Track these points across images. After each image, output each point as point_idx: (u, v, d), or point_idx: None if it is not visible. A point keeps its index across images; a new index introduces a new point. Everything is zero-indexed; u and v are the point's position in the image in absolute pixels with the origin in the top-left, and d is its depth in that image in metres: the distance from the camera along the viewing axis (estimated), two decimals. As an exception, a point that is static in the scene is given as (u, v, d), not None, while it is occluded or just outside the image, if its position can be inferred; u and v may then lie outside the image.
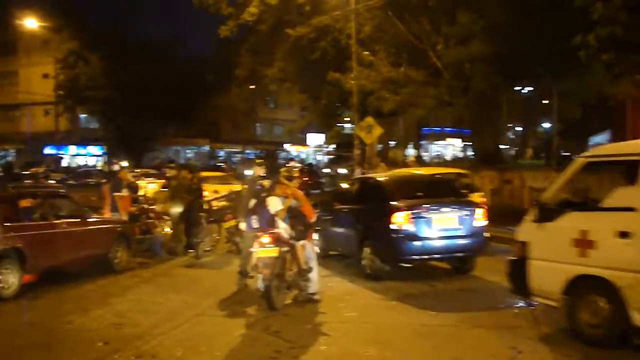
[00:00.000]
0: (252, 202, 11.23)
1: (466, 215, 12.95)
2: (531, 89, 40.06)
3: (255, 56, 39.39)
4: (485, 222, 12.99)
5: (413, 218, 12.46)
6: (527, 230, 9.17)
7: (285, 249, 10.60)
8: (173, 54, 56.36)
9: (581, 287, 8.35)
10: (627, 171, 8.12)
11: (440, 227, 12.68)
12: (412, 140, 44.44)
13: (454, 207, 13.09)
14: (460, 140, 74.61)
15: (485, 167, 25.84)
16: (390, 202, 12.84)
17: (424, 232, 12.53)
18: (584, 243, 8.21)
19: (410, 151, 51.87)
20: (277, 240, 10.41)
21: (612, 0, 18.22)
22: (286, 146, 72.65)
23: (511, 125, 44.65)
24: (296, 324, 9.78)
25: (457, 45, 26.21)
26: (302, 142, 72.08)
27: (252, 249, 10.88)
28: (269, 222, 10.57)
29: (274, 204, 10.62)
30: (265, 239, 10.34)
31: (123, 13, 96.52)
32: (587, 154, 9.26)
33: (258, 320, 10.01)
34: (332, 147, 72.70)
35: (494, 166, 26.12)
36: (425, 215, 12.59)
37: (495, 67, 25.47)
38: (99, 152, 64.89)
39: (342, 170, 36.70)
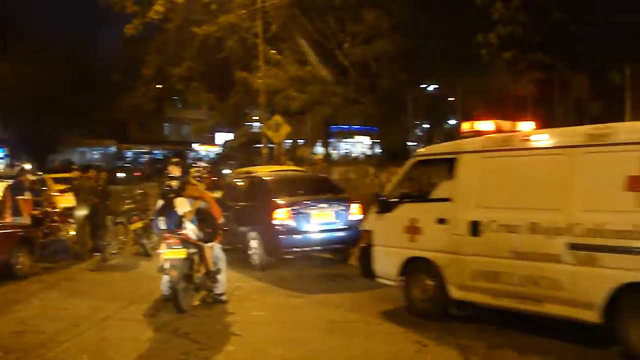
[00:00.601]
0: (160, 203, 11.08)
1: (342, 210, 14.11)
2: (436, 86, 40.73)
3: (162, 55, 38.88)
4: (360, 216, 13.59)
5: (293, 214, 13.58)
6: (371, 220, 10.69)
7: (193, 250, 10.52)
8: (77, 53, 55.07)
9: (413, 268, 9.81)
10: (448, 167, 9.51)
11: (319, 221, 13.86)
12: (320, 138, 44.61)
13: (330, 203, 14.23)
14: (368, 137, 75.33)
15: (392, 163, 26.15)
16: (273, 200, 13.85)
17: (304, 226, 13.69)
18: (413, 230, 9.72)
19: (319, 149, 52.16)
20: (185, 242, 10.31)
21: (511, 1, 18.75)
22: (195, 146, 71.96)
23: (418, 122, 45.29)
24: (205, 325, 9.74)
25: (363, 43, 26.45)
26: (211, 142, 71.52)
27: (159, 250, 10.75)
28: (176, 224, 10.45)
29: (182, 205, 10.51)
30: (173, 240, 10.24)
31: (26, 12, 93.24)
32: (418, 153, 11.09)
33: (166, 323, 9.86)
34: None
35: (401, 163, 26.40)
36: (305, 211, 13.74)
37: (401, 65, 25.81)
38: (1, 155, 62.87)
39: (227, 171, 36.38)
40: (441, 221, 9.30)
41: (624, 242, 7.35)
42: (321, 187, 15.41)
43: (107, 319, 10.18)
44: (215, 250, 11.05)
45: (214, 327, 9.62)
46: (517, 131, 9.84)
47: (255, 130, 44.56)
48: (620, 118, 21.36)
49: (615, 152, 7.69)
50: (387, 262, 10.27)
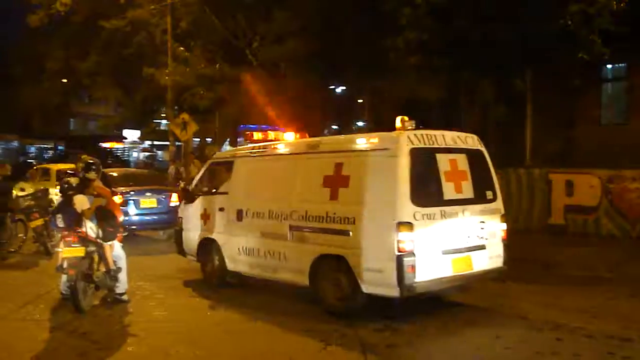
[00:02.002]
0: (59, 199, 10.84)
1: (163, 198, 18.33)
2: (344, 88, 41.17)
3: (69, 49, 38.01)
4: (177, 203, 15.41)
5: (125, 200, 17.24)
6: (181, 209, 13.40)
7: (92, 248, 10.34)
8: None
9: (205, 246, 12.41)
10: (228, 168, 12.31)
11: (144, 206, 18.04)
12: (228, 136, 44.36)
13: (154, 192, 18.49)
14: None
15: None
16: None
17: (132, 210, 17.79)
18: (205, 216, 12.46)
19: (227, 147, 51.83)
20: (84, 240, 10.13)
21: (419, 7, 19.08)
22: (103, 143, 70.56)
23: (328, 122, 45.62)
24: (104, 325, 9.62)
25: (273, 43, 26.49)
26: (119, 138, 70.24)
27: (57, 249, 10.53)
28: (75, 221, 10.24)
29: (81, 203, 10.29)
30: (71, 238, 10.04)
31: None
32: (213, 157, 14.22)
33: (65, 323, 9.67)
34: (148, 143, 71.36)
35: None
36: (134, 198, 17.88)
37: (310, 65, 25.96)
38: None
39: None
40: (221, 209, 12.04)
41: (320, 225, 9.95)
42: (151, 181, 20.05)
43: (2, 319, 9.91)
44: (115, 248, 10.87)
45: (114, 327, 9.51)
46: (271, 141, 12.83)
47: (164, 127, 43.97)
48: (522, 121, 22.12)
49: (319, 159, 10.43)
50: (190, 242, 12.87)
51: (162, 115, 42.81)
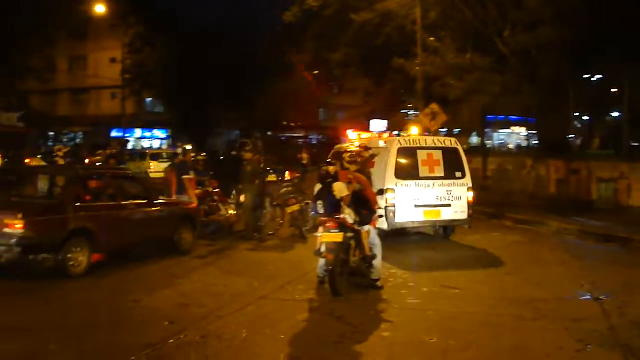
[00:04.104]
0: (318, 187, 11.21)
1: None
2: (600, 76, 39.10)
3: (320, 41, 39.34)
4: None
5: None
6: None
7: (350, 234, 10.59)
8: (235, 39, 56.51)
9: None
10: None
11: None
12: (476, 127, 43.78)
13: None
14: (524, 128, 73.47)
15: (550, 156, 25.39)
16: None
17: None
18: None
19: (474, 139, 51.25)
20: (342, 226, 10.40)
21: None
22: (349, 132, 72.20)
23: (578, 114, 43.65)
24: (359, 309, 9.77)
25: (525, 31, 25.68)
26: (366, 128, 71.85)
27: (316, 234, 10.91)
28: (334, 208, 10.55)
29: (340, 190, 10.57)
30: (330, 224, 10.35)
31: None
32: None
33: (321, 305, 10.04)
34: (395, 133, 72.18)
35: (561, 156, 25.58)
36: None
37: (564, 53, 24.90)
38: (164, 136, 65.64)
39: None
40: None
41: None
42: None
43: (265, 297, 10.43)
44: (372, 235, 11.08)
45: (369, 312, 9.64)
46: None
47: (410, 118, 44.30)
48: None
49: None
50: None
51: (409, 105, 43.18)
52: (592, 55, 27.71)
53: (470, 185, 15.37)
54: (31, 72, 48.23)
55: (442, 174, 15.09)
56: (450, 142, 15.95)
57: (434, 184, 14.94)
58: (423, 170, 14.95)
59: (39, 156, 37.70)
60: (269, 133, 67.12)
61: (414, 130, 19.75)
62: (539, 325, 8.97)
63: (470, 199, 15.29)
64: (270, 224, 16.84)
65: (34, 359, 7.53)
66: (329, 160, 11.68)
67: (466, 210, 15.21)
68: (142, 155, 47.03)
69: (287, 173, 22.78)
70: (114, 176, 13.83)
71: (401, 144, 15.10)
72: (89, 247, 11.74)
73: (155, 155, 46.16)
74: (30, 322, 8.94)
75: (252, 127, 62.61)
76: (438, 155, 15.25)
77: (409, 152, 15.08)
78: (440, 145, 15.52)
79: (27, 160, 34.02)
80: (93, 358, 7.64)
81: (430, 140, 15.85)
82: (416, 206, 14.76)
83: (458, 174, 15.30)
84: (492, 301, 10.28)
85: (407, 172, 14.84)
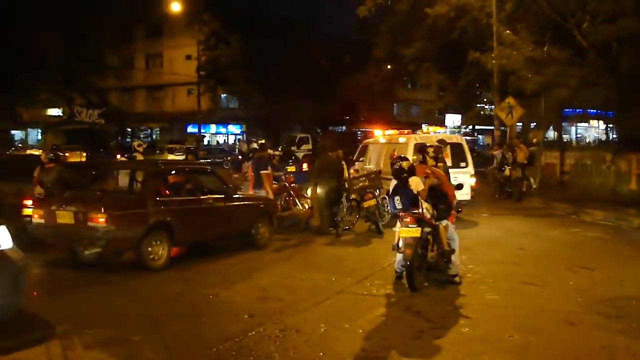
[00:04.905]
0: (393, 182, 11.18)
1: None
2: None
3: (393, 36, 39.21)
4: None
5: None
6: None
7: (428, 229, 10.53)
8: (309, 35, 56.71)
9: None
10: None
11: None
12: (553, 121, 42.94)
13: None
14: (602, 122, 71.87)
15: (631, 150, 24.73)
16: None
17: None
18: None
19: (551, 133, 50.23)
20: (420, 221, 10.34)
21: None
22: (423, 127, 72.09)
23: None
24: (438, 305, 9.70)
25: (605, 22, 25.04)
26: (440, 123, 71.29)
27: (394, 229, 10.88)
28: (411, 202, 10.50)
29: (416, 184, 10.51)
30: (408, 219, 10.31)
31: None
32: None
33: (399, 300, 9.99)
34: (469, 128, 71.51)
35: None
36: None
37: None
38: (238, 131, 66.42)
39: None
40: None
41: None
42: None
43: (342, 292, 10.46)
44: (449, 230, 11.00)
45: (447, 308, 9.57)
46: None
47: (486, 112, 43.72)
48: None
49: (388, 145, 18.96)
50: None
51: (485, 99, 42.68)
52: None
53: (473, 172, 19.17)
54: (110, 69, 49.43)
55: (450, 164, 17.03)
56: (457, 138, 20.41)
57: None
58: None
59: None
60: (343, 128, 67.28)
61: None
62: (622, 323, 8.72)
63: (473, 184, 18.98)
64: (347, 219, 16.85)
65: (120, 349, 7.69)
66: (401, 155, 11.66)
67: (469, 192, 18.37)
68: (161, 148, 50.62)
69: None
70: (193, 171, 14.06)
71: (417, 140, 18.16)
72: (168, 240, 11.99)
73: (171, 149, 49.54)
74: (115, 313, 9.19)
75: (327, 122, 62.85)
76: (447, 149, 17.27)
77: (422, 147, 16.47)
78: (448, 141, 17.97)
79: (117, 156, 35.11)
80: (175, 349, 7.77)
81: (439, 138, 18.02)
82: None
83: (463, 164, 18.80)
84: (573, 298, 10.06)
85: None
